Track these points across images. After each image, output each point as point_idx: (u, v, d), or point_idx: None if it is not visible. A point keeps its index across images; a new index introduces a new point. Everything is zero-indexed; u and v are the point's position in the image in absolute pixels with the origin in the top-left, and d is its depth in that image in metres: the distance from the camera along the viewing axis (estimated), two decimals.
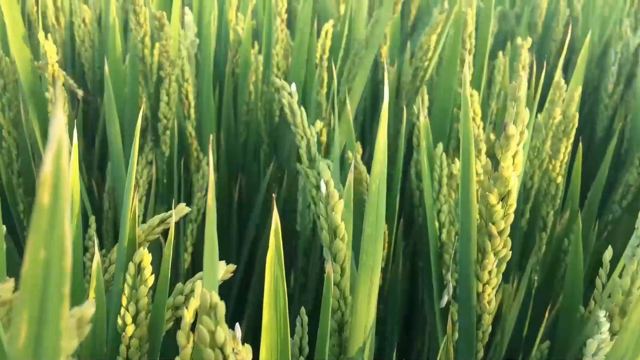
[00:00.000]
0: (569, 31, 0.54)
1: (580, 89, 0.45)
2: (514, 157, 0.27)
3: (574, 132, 0.45)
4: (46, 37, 0.51)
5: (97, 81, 0.83)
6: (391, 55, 0.80)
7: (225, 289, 0.63)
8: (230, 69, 0.67)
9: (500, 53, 0.67)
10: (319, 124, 0.40)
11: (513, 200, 0.28)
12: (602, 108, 0.85)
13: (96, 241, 0.32)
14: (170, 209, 0.53)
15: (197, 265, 0.57)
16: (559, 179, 0.47)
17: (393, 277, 0.47)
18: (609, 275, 0.33)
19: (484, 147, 0.40)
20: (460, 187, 0.29)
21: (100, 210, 0.55)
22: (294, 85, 0.40)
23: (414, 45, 0.91)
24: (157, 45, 0.52)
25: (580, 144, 0.51)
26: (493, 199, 0.27)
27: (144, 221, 0.38)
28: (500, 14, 0.97)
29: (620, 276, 0.31)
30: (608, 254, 0.31)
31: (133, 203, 0.28)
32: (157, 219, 0.34)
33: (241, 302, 0.62)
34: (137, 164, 0.52)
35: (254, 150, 0.66)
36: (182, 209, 0.35)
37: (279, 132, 0.64)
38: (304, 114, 0.38)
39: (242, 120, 0.68)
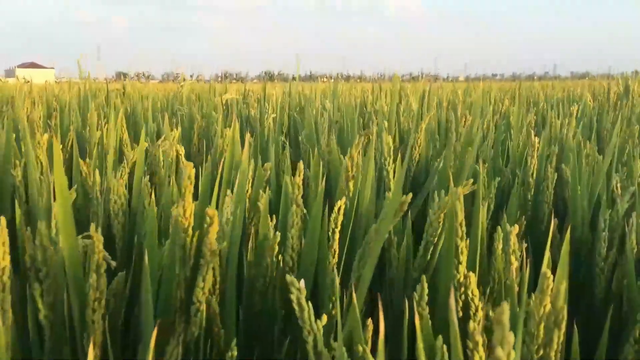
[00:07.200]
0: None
1: (565, 283, 0.50)
2: None
3: (564, 323, 0.49)
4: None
5: (125, 249, 0.89)
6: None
7: None
8: (252, 244, 0.74)
9: (499, 227, 0.74)
10: (325, 318, 0.45)
11: None
12: (598, 272, 0.90)
13: None
14: None
15: None
16: None
17: None
18: None
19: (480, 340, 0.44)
20: None
21: None
22: (302, 281, 0.45)
23: (413, 214, 0.98)
24: (196, 233, 0.59)
25: (575, 327, 0.55)
26: None
27: None
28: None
29: None
30: None
31: None
32: None
33: None
34: (169, 344, 0.56)
35: (270, 322, 0.70)
36: None
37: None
38: (311, 310, 0.44)
39: (259, 291, 0.73)
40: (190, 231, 0.57)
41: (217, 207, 0.74)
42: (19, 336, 0.60)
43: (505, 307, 0.32)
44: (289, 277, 0.46)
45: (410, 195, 0.54)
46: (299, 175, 0.71)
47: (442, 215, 0.71)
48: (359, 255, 0.61)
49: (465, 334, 0.63)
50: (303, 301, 0.46)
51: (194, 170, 0.54)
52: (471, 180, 0.68)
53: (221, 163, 0.73)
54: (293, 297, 0.46)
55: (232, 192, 0.75)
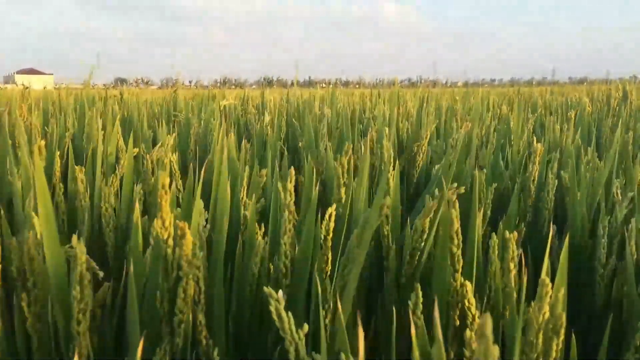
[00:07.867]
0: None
1: (563, 290, 0.49)
2: None
3: (562, 331, 0.48)
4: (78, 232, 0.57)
5: (117, 258, 0.88)
6: (394, 228, 0.85)
7: None
8: (240, 251, 0.73)
9: (494, 234, 0.73)
10: (306, 327, 0.44)
11: None
12: (597, 278, 0.89)
13: None
14: None
15: None
16: None
17: None
18: None
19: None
20: None
21: None
22: (280, 292, 0.44)
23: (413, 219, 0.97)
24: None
25: (574, 335, 0.54)
26: None
27: None
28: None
29: None
30: None
31: None
32: None
33: None
34: (155, 355, 0.55)
35: (262, 330, 0.69)
36: None
37: None
38: (292, 320, 0.43)
39: (247, 299, 0.72)
40: (170, 242, 0.56)
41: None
42: (7, 347, 0.59)
43: (488, 319, 0.31)
44: (267, 289, 0.45)
45: (389, 199, 0.53)
46: (291, 182, 0.70)
47: (427, 220, 0.70)
48: (342, 262, 0.60)
49: (462, 342, 0.62)
50: (282, 312, 0.45)
51: (168, 179, 0.53)
52: (455, 184, 0.67)
53: (203, 169, 0.72)
54: (272, 308, 0.45)
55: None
